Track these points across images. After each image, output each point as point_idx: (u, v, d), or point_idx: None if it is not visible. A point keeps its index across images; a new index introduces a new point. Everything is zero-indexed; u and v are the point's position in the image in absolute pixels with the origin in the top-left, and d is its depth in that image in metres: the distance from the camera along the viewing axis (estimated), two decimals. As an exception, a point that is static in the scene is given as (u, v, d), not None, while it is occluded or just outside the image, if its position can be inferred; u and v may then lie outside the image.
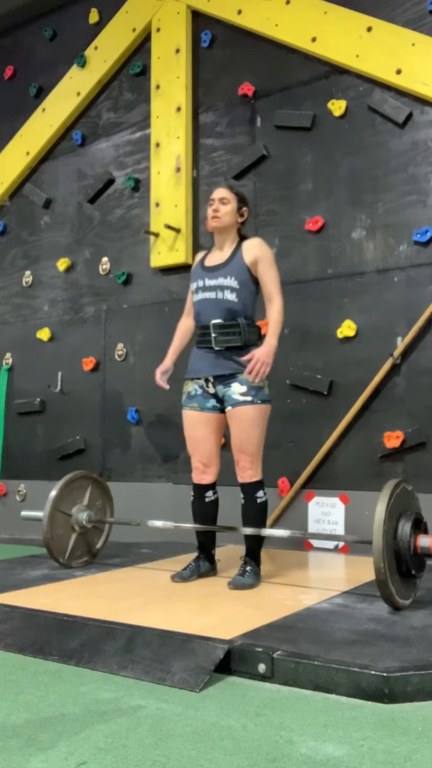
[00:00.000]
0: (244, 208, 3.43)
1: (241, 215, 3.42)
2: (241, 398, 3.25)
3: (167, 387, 3.65)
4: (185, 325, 3.66)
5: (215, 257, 3.44)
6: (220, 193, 3.40)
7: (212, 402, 3.37)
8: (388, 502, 2.70)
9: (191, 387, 3.41)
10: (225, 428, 3.41)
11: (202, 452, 3.39)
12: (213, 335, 3.30)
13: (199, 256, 3.58)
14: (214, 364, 3.32)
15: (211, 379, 3.34)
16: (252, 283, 3.35)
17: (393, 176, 4.27)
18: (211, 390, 3.36)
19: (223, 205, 3.37)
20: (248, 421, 3.25)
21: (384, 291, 4.23)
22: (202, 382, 3.37)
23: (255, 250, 3.35)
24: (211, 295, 3.33)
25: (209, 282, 3.35)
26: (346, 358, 4.31)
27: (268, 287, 3.34)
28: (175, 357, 3.66)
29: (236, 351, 3.29)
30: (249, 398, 3.25)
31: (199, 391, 3.38)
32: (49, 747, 1.74)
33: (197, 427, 3.39)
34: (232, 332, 3.28)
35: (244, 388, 3.25)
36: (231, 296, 3.29)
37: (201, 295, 3.38)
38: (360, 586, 3.19)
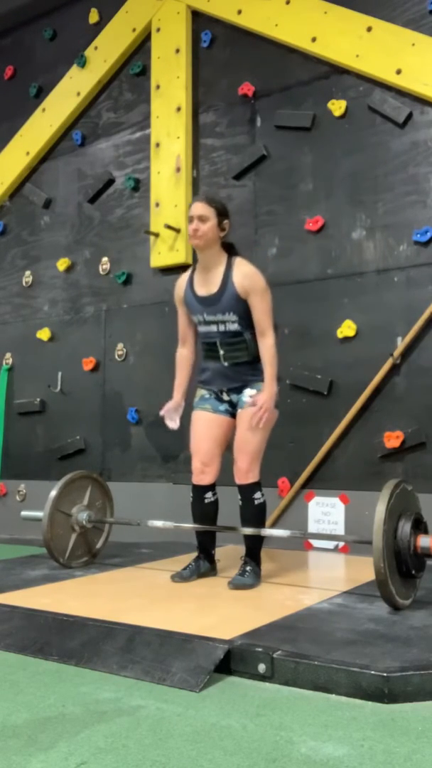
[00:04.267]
0: (225, 221, 3.30)
1: (223, 229, 3.29)
2: (251, 401, 3.27)
3: (177, 425, 3.48)
4: (184, 357, 3.54)
5: (205, 281, 3.32)
6: (198, 209, 3.24)
7: (225, 406, 3.41)
8: (388, 502, 2.70)
9: (204, 391, 3.45)
10: (231, 436, 3.40)
11: (204, 452, 3.38)
12: (221, 352, 3.33)
13: (186, 277, 3.44)
14: (225, 378, 3.36)
15: (225, 389, 3.39)
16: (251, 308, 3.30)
17: (393, 176, 4.27)
18: (225, 397, 3.41)
19: (202, 222, 3.22)
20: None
21: (384, 291, 4.23)
22: (215, 390, 3.41)
23: (246, 282, 3.22)
24: (213, 328, 3.33)
25: (209, 317, 3.33)
26: (346, 358, 4.31)
27: (259, 322, 3.23)
28: (182, 391, 3.52)
29: (246, 365, 3.31)
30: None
31: (213, 396, 3.42)
32: (49, 747, 1.74)
33: (205, 425, 3.40)
34: (240, 348, 3.30)
35: (254, 392, 3.29)
36: (233, 326, 3.28)
37: (204, 328, 3.37)
38: (360, 586, 3.19)
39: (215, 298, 3.28)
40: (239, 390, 3.33)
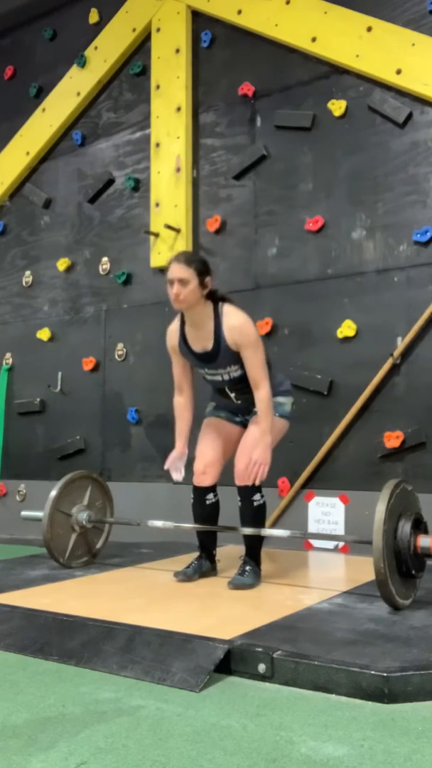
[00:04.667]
0: (207, 278, 3.16)
1: (205, 286, 3.16)
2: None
3: (182, 476, 3.39)
4: (182, 405, 3.46)
5: (197, 337, 3.24)
6: (177, 272, 3.10)
7: (240, 418, 3.46)
8: (388, 502, 2.70)
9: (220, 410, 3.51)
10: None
11: (209, 456, 3.38)
12: (232, 394, 3.35)
13: (176, 329, 3.33)
14: (238, 409, 3.42)
15: (239, 414, 3.46)
16: None
17: (393, 176, 4.27)
18: (239, 418, 3.47)
19: (183, 286, 3.09)
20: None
21: (384, 291, 4.23)
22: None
23: (236, 336, 3.14)
24: (218, 377, 3.32)
25: (210, 371, 3.32)
26: (346, 358, 4.31)
27: (252, 374, 3.17)
28: (185, 439, 3.44)
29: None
30: None
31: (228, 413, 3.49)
32: (49, 747, 1.74)
33: (215, 431, 3.44)
34: (249, 389, 3.25)
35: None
36: (237, 372, 3.26)
37: (210, 377, 3.37)
38: (360, 586, 3.19)
39: (212, 355, 3.23)
40: (253, 412, 3.35)
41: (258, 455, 3.13)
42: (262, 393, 3.17)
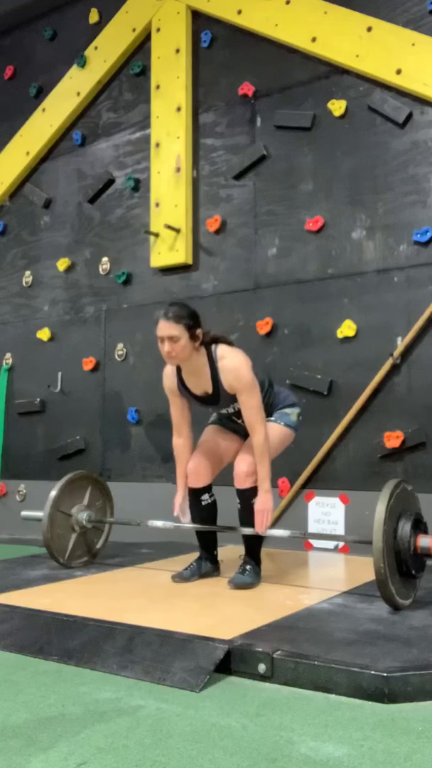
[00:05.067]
0: (198, 330, 3.10)
1: (197, 338, 3.10)
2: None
3: (189, 518, 3.40)
4: (181, 447, 3.42)
5: (196, 382, 3.23)
6: (167, 330, 3.04)
7: (244, 433, 3.42)
8: (388, 502, 2.70)
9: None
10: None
11: (203, 457, 3.38)
12: (240, 421, 3.33)
13: (172, 372, 3.31)
14: (243, 429, 3.35)
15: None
16: None
17: (393, 176, 4.27)
18: (243, 432, 3.43)
19: (174, 342, 3.05)
20: None
21: (384, 291, 4.23)
22: None
23: (231, 380, 3.13)
24: (224, 411, 3.33)
25: (214, 410, 3.38)
26: (346, 358, 4.31)
27: (247, 418, 3.15)
28: (186, 482, 3.41)
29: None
30: (273, 419, 3.35)
31: None
32: (49, 747, 1.74)
33: (216, 434, 3.45)
34: None
35: (272, 417, 3.36)
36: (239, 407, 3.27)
37: (216, 413, 3.41)
38: (360, 586, 3.19)
39: (214, 399, 3.24)
40: None
41: (262, 506, 3.15)
42: (258, 438, 3.13)
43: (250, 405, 3.14)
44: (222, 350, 3.19)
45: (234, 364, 3.14)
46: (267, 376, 3.40)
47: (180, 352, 3.07)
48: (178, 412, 3.39)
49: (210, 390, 3.21)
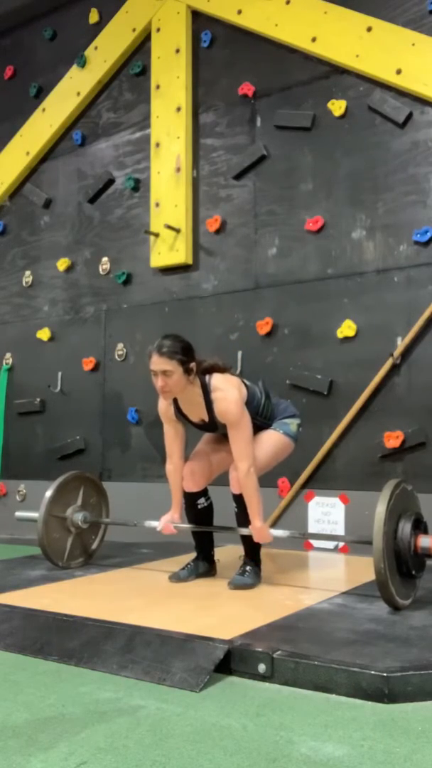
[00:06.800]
0: (191, 364, 3.09)
1: (191, 371, 3.09)
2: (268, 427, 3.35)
3: (175, 531, 3.43)
4: (174, 472, 3.40)
5: (193, 411, 3.25)
6: (160, 365, 3.04)
7: None
8: (388, 502, 2.70)
9: None
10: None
11: (197, 462, 3.38)
12: None
13: (168, 400, 3.30)
14: None
15: None
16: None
17: (393, 176, 4.27)
18: None
19: (168, 377, 3.05)
20: (263, 438, 3.30)
21: (384, 291, 4.23)
22: None
23: (221, 413, 3.15)
24: (225, 432, 3.29)
25: (214, 432, 3.39)
26: (346, 358, 4.31)
27: (235, 451, 3.14)
28: (179, 507, 3.43)
29: (267, 424, 3.36)
30: (272, 428, 3.36)
31: None
32: (49, 747, 1.74)
33: (213, 442, 3.45)
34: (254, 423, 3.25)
35: (271, 426, 3.37)
36: None
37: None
38: (360, 586, 3.19)
39: (211, 426, 3.27)
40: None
41: (257, 538, 3.18)
42: (242, 471, 3.10)
43: (239, 437, 3.13)
44: (216, 381, 3.18)
45: (225, 397, 3.13)
46: (263, 389, 3.37)
47: (174, 386, 3.08)
48: (171, 439, 3.38)
49: (206, 418, 3.24)
